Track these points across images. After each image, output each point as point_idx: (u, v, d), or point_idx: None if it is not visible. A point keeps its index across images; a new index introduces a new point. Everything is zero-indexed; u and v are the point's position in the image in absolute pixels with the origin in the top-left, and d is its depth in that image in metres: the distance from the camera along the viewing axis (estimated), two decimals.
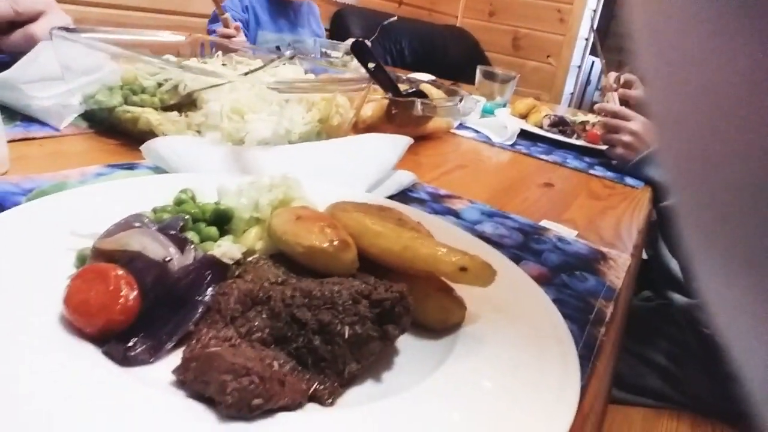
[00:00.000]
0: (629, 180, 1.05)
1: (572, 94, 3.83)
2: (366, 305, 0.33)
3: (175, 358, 0.32)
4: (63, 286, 0.32)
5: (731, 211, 0.13)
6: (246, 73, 0.70)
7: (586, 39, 3.66)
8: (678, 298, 1.16)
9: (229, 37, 1.50)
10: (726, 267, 0.14)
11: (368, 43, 0.81)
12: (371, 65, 0.79)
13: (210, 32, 1.61)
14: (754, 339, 0.14)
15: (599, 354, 0.44)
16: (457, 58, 3.32)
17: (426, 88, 1.11)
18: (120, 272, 0.32)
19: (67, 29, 0.76)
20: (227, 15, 1.48)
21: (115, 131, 0.74)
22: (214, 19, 1.63)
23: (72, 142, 0.70)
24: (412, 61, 3.05)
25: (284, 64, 0.74)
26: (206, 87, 0.69)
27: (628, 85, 1.46)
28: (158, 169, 0.62)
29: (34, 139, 0.67)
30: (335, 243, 0.38)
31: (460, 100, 1.04)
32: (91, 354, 0.30)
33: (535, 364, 0.36)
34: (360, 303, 0.33)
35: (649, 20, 0.14)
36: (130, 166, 0.62)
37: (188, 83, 0.75)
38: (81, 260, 0.37)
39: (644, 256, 1.32)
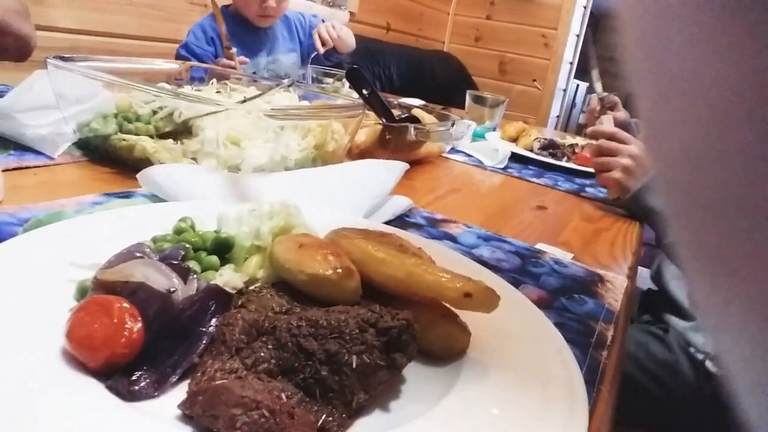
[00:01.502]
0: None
1: (558, 117, 3.89)
2: (373, 334, 0.33)
3: (180, 391, 0.31)
4: (64, 319, 0.32)
5: (711, 219, 0.14)
6: (243, 101, 0.70)
7: (571, 63, 3.73)
8: (676, 321, 1.16)
9: (231, 68, 1.49)
10: (708, 273, 0.15)
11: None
12: (366, 91, 0.80)
13: (190, 56, 1.59)
14: (738, 347, 0.15)
15: (603, 377, 0.44)
16: (445, 83, 3.37)
17: (418, 113, 1.12)
18: (123, 304, 0.31)
19: (62, 58, 0.76)
20: (234, 50, 1.49)
21: (110, 159, 0.73)
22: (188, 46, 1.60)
23: (66, 170, 0.69)
24: (401, 85, 3.09)
25: (281, 91, 0.74)
26: (202, 114, 0.69)
27: (611, 106, 1.48)
28: (155, 198, 0.61)
29: (28, 168, 0.67)
30: (339, 270, 0.38)
31: (452, 125, 1.05)
32: (94, 389, 0.29)
33: (541, 389, 0.36)
34: (367, 332, 0.33)
35: (642, 39, 0.15)
36: (127, 195, 0.61)
37: (183, 111, 0.75)
38: (82, 292, 0.36)
39: (651, 285, 1.32)
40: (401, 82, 3.10)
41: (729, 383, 0.16)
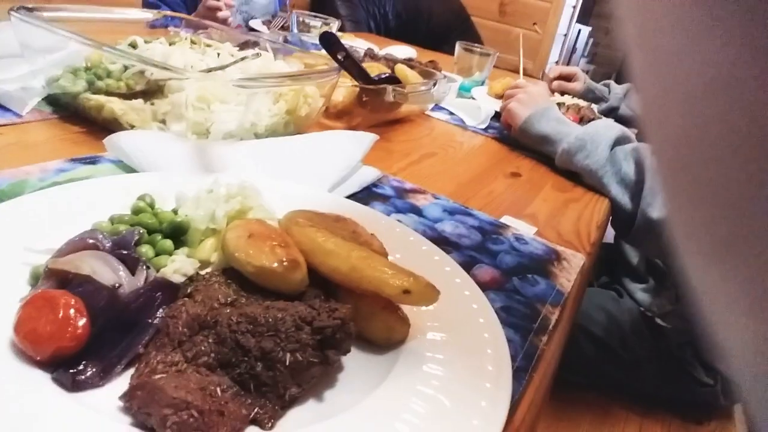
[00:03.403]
0: None
1: (557, 62, 3.81)
2: (308, 332, 0.35)
3: (126, 379, 0.33)
4: (16, 307, 0.34)
5: (711, 202, 0.14)
6: (209, 70, 0.69)
7: (573, 6, 3.61)
8: (634, 286, 1.20)
9: (214, 9, 1.44)
10: (704, 253, 0.15)
11: (336, 32, 0.80)
12: (340, 56, 0.79)
13: (160, 2, 1.52)
14: (733, 322, 0.15)
15: (537, 364, 0.46)
16: (441, 23, 3.26)
17: (400, 70, 1.10)
18: (69, 299, 0.33)
19: (26, 8, 0.74)
20: None
21: (80, 117, 0.73)
22: None
23: (35, 129, 0.69)
24: (396, 25, 3.00)
25: (252, 57, 0.73)
26: (168, 78, 0.68)
27: (568, 77, 1.52)
28: (121, 164, 0.62)
29: None
30: (285, 263, 0.39)
31: (434, 85, 1.04)
32: (40, 380, 0.31)
33: (469, 381, 0.39)
34: (302, 330, 0.35)
35: (639, 29, 0.15)
36: (93, 160, 0.62)
37: (153, 71, 0.74)
38: (35, 278, 0.38)
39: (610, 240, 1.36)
40: (397, 21, 3.00)
41: (731, 375, 0.16)
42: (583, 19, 3.93)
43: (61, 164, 0.59)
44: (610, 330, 1.15)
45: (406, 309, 0.43)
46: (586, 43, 4.37)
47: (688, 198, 0.15)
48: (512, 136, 1.07)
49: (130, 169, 0.61)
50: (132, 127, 0.69)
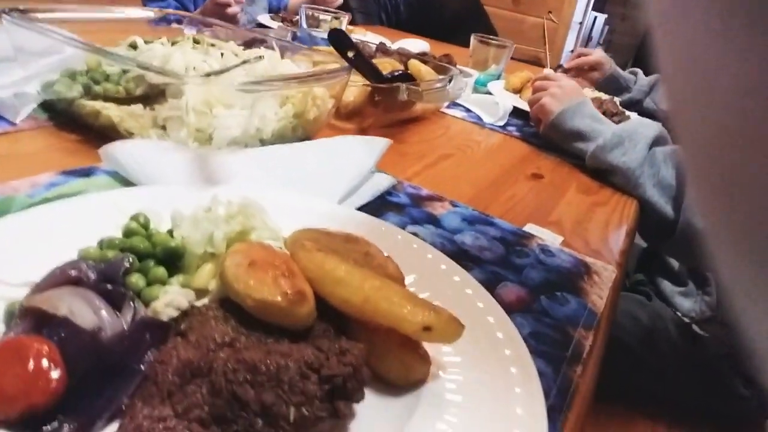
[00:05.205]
0: None
1: (572, 51, 3.71)
2: (315, 381, 0.30)
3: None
4: None
5: (746, 200, 0.14)
6: (211, 73, 0.64)
7: None
8: (666, 285, 1.14)
9: (224, 5, 1.40)
10: (739, 249, 0.15)
11: (346, 26, 0.75)
12: (350, 53, 0.74)
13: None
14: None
15: (572, 401, 0.42)
16: (454, 13, 3.19)
17: (414, 65, 1.05)
18: (42, 347, 0.29)
19: (19, 10, 0.70)
20: None
21: (76, 124, 0.69)
22: None
23: (29, 138, 0.65)
24: (409, 16, 2.94)
25: (255, 61, 0.68)
26: (169, 83, 0.64)
27: (589, 67, 1.48)
28: (117, 175, 0.58)
29: None
30: (289, 296, 0.35)
31: (450, 81, 0.98)
32: None
33: (498, 428, 0.34)
34: (309, 379, 0.30)
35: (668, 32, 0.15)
36: (87, 173, 0.58)
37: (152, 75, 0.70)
38: (9, 316, 0.34)
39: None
40: (408, 12, 2.94)
41: (759, 364, 0.16)
42: (598, 6, 3.83)
43: (52, 178, 0.55)
44: (637, 336, 1.10)
45: (425, 343, 0.38)
46: (602, 31, 4.26)
47: (720, 201, 0.15)
48: (541, 131, 1.02)
49: (126, 181, 0.57)
50: (130, 134, 0.65)
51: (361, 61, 0.75)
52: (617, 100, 1.43)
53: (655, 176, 0.84)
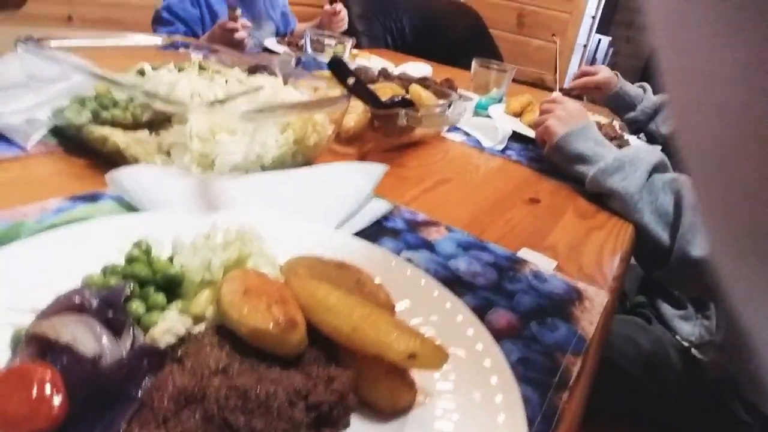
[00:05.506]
0: None
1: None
2: (302, 408, 0.32)
3: None
4: None
5: (747, 200, 0.14)
6: (212, 103, 0.67)
7: (593, 17, 3.56)
8: (671, 313, 1.15)
9: (231, 30, 1.43)
10: (751, 265, 0.15)
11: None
12: (350, 81, 0.76)
13: (174, 19, 1.53)
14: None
15: (557, 427, 0.43)
16: (459, 36, 3.24)
17: (414, 90, 1.08)
18: (45, 374, 0.31)
19: (34, 39, 0.73)
20: (239, 12, 1.42)
21: (85, 149, 0.71)
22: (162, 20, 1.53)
23: (38, 163, 0.68)
24: (413, 39, 2.98)
25: (254, 92, 0.71)
26: (173, 111, 0.66)
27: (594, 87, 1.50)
28: (122, 201, 0.60)
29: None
30: (281, 324, 0.37)
31: (449, 106, 1.01)
32: None
33: None
34: (296, 406, 0.32)
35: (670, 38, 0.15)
36: (94, 197, 0.60)
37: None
38: (16, 342, 0.35)
39: None
40: (414, 35, 2.98)
41: (762, 372, 0.16)
42: (602, 28, 3.87)
43: (60, 203, 0.58)
44: (637, 360, 1.10)
45: (413, 370, 0.39)
46: (606, 53, 4.29)
47: (726, 212, 0.15)
48: (545, 153, 1.04)
49: (131, 207, 0.59)
50: (136, 159, 0.67)
51: (360, 89, 0.78)
52: (616, 124, 1.44)
53: (653, 203, 0.85)
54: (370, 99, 0.80)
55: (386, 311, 0.41)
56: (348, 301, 0.39)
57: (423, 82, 1.22)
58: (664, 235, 0.84)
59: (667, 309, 1.16)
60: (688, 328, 1.12)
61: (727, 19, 0.12)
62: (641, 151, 0.92)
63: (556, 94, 1.23)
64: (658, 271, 0.86)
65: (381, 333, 0.37)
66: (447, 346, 0.40)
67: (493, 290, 0.59)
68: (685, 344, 1.08)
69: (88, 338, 0.33)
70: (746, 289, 0.15)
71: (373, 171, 0.67)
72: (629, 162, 0.89)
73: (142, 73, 0.82)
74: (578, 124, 0.99)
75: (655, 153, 0.92)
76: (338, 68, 0.76)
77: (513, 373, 0.42)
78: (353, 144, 0.90)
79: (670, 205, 0.85)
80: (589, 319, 0.58)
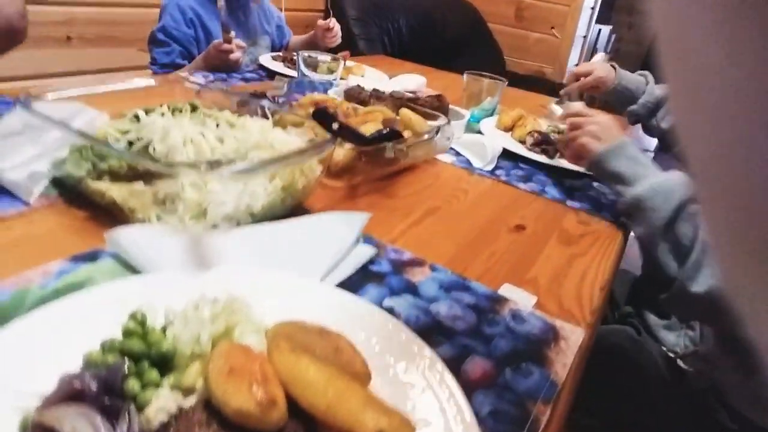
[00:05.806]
0: (606, 213, 1.05)
1: (576, 65, 3.73)
2: None
3: None
4: None
5: (749, 205, 0.14)
6: (196, 165, 0.70)
7: (592, 8, 3.54)
8: (657, 323, 1.18)
9: (226, 52, 1.45)
10: (744, 257, 0.15)
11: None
12: (335, 126, 0.79)
13: (169, 40, 1.55)
14: None
15: None
16: (457, 32, 3.24)
17: (404, 115, 1.10)
18: None
19: (30, 96, 0.77)
20: (233, 34, 1.45)
21: (85, 200, 0.75)
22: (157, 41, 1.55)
23: (41, 218, 0.71)
24: (410, 39, 2.99)
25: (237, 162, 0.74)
26: (164, 173, 0.69)
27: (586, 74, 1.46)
28: (120, 258, 0.64)
29: (2, 219, 0.69)
30: (262, 403, 0.40)
31: (436, 132, 1.03)
32: None
33: None
34: None
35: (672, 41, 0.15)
36: (93, 257, 0.64)
37: (157, 146, 0.76)
38: (24, 427, 0.39)
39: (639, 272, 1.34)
40: (411, 35, 2.99)
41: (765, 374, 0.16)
42: (602, 17, 3.84)
43: (62, 265, 0.61)
44: (626, 370, 1.13)
45: None
46: (607, 43, 4.27)
47: (730, 217, 0.15)
48: (585, 168, 1.06)
49: (129, 265, 0.63)
50: (133, 211, 0.71)
51: (345, 132, 0.81)
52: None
53: (675, 242, 0.85)
54: (356, 138, 0.83)
55: (360, 383, 0.45)
56: (324, 374, 0.43)
57: (414, 101, 1.25)
58: (672, 264, 0.85)
59: (652, 319, 1.19)
60: (672, 338, 1.15)
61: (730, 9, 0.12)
62: (678, 184, 0.88)
63: (578, 105, 1.20)
64: (658, 291, 0.88)
65: (351, 411, 0.40)
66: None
67: (471, 335, 0.62)
68: (671, 354, 1.12)
69: (86, 429, 0.37)
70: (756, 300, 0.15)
71: (356, 221, 0.71)
72: (663, 193, 0.88)
73: (137, 117, 0.85)
74: (616, 140, 0.98)
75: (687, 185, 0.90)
76: (322, 117, 0.79)
77: (482, 429, 0.46)
78: (343, 177, 0.93)
79: (686, 237, 0.85)
80: (563, 361, 0.62)
